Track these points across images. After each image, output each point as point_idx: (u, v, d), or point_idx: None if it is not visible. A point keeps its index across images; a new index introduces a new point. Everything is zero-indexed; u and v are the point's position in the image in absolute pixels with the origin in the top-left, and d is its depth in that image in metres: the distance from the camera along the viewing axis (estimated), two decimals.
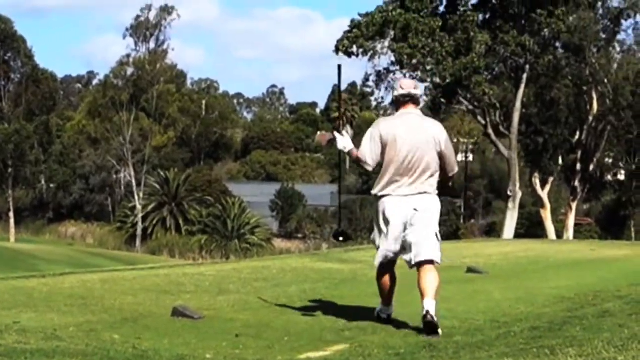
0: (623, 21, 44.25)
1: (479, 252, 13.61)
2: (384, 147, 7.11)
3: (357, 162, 7.33)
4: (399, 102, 7.30)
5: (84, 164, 79.11)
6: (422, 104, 7.51)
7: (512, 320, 7.10)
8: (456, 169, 7.40)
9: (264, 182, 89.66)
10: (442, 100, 37.95)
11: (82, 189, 79.29)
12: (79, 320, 7.18)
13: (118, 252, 52.55)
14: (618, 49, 46.57)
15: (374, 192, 7.25)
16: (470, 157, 79.19)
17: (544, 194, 45.94)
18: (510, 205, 40.09)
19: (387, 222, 7.12)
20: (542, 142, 44.58)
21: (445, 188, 7.57)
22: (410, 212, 7.03)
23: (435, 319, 6.76)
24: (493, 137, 39.84)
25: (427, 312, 6.77)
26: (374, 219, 7.37)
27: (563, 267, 11.90)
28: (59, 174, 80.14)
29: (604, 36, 44.37)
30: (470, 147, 79.51)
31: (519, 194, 40.25)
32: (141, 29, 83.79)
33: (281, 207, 72.94)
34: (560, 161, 47.03)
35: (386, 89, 37.75)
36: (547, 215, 45.96)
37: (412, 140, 7.07)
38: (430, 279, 6.99)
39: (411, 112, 7.25)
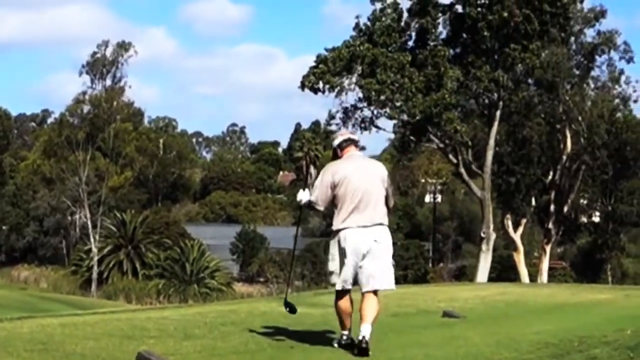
0: (597, 57, 44.97)
1: (454, 295, 13.59)
2: (335, 187, 8.07)
3: (309, 207, 8.34)
4: (342, 148, 8.35)
5: (37, 205, 78.27)
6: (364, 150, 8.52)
7: None
8: (393, 202, 8.33)
9: (224, 224, 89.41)
10: (412, 138, 38.04)
11: (35, 231, 78.35)
12: None
13: (73, 297, 51.86)
14: (592, 85, 47.28)
15: (335, 227, 8.10)
16: (439, 198, 79.55)
17: (516, 236, 46.16)
18: (483, 247, 40.18)
19: (345, 252, 7.98)
20: (515, 182, 44.85)
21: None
22: (370, 243, 7.95)
23: (369, 344, 7.71)
24: (465, 176, 40.00)
25: (364, 337, 7.75)
26: (331, 251, 8.16)
27: (543, 311, 11.92)
28: (11, 216, 79.22)
29: (577, 72, 45.01)
30: (439, 187, 79.91)
31: (493, 236, 40.38)
32: (97, 66, 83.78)
33: (242, 250, 72.70)
34: (533, 202, 47.39)
35: (353, 125, 37.84)
36: (520, 258, 46.17)
37: (362, 178, 8.08)
38: (373, 305, 7.95)
39: (354, 154, 8.32)
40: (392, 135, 49.44)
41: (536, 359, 7.53)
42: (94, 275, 65.12)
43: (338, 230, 8.06)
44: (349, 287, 8.12)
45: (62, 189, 75.36)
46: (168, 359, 7.45)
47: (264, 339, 8.77)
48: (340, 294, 8.16)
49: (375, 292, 8.01)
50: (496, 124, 39.09)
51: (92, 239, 67.46)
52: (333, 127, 39.05)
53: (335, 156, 8.42)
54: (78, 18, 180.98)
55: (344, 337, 8.25)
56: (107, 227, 68.95)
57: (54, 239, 78.67)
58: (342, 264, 8.03)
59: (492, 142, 39.17)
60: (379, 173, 8.22)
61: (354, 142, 8.38)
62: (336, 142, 8.41)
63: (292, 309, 8.91)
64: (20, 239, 79.25)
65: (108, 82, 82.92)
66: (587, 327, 9.64)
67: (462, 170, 39.21)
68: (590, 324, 10.01)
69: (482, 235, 40.29)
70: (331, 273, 8.16)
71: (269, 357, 7.84)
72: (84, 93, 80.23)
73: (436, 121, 35.81)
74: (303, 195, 8.42)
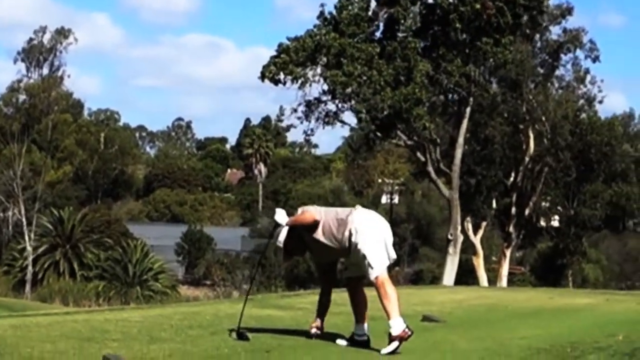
0: (562, 55, 45.36)
1: (429, 299, 13.48)
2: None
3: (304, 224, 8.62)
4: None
5: None
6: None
7: None
8: None
9: (168, 224, 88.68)
10: (378, 134, 37.82)
11: None
12: None
13: (6, 299, 50.82)
14: (556, 85, 47.69)
15: (347, 212, 8.74)
16: (396, 199, 79.77)
17: (476, 239, 46.42)
18: (450, 250, 40.17)
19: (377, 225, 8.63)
20: (475, 184, 45.01)
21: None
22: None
23: None
24: (433, 175, 39.85)
25: None
26: (362, 228, 8.48)
27: (526, 315, 11.87)
28: None
29: (542, 71, 45.39)
30: (396, 188, 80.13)
31: (461, 238, 40.43)
32: (34, 53, 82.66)
33: (188, 251, 72.20)
34: (494, 204, 47.58)
35: (317, 119, 37.52)
36: (479, 262, 46.44)
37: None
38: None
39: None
40: (347, 133, 49.43)
41: None
42: (28, 276, 63.96)
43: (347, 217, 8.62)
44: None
45: None
46: None
47: (236, 343, 8.55)
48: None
49: None
50: (465, 121, 39.10)
51: (26, 237, 66.27)
52: (295, 122, 38.68)
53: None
54: (13, 1, 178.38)
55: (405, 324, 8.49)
56: (42, 224, 67.81)
57: None
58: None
59: (461, 140, 39.18)
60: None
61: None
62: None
63: (245, 338, 8.69)
64: None
65: (45, 70, 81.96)
66: (576, 332, 9.58)
67: (430, 169, 39.12)
68: (578, 329, 9.96)
69: (449, 237, 40.28)
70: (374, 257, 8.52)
71: None
72: (19, 81, 79.23)
73: (405, 117, 35.68)
74: (281, 216, 8.69)
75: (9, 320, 9.68)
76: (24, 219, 67.69)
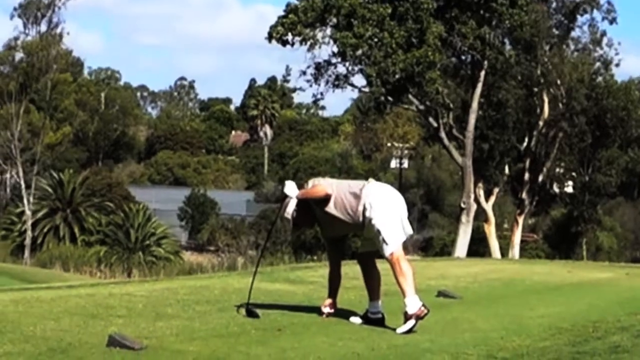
0: (578, 16, 44.93)
1: (444, 272, 13.41)
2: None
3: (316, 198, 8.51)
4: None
5: None
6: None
7: (512, 356, 6.88)
8: None
9: (171, 187, 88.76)
10: (389, 98, 37.56)
11: None
12: None
13: (3, 264, 51.01)
14: (572, 47, 47.31)
15: (360, 185, 8.52)
16: (405, 164, 79.63)
17: (488, 206, 46.28)
18: (463, 219, 40.01)
19: (392, 199, 8.52)
20: (488, 149, 44.80)
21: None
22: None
23: None
24: (445, 141, 39.62)
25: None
26: (376, 203, 8.34)
27: (544, 291, 11.80)
28: None
29: (557, 32, 44.98)
30: (405, 152, 79.97)
31: (474, 207, 40.30)
32: (31, 9, 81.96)
33: (191, 215, 72.22)
34: (507, 170, 47.40)
35: (326, 83, 37.26)
36: (491, 230, 46.32)
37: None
38: None
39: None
40: (356, 95, 49.19)
41: (553, 346, 7.34)
42: (27, 241, 64.06)
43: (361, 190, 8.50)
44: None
45: None
46: (143, 342, 7.11)
47: (245, 320, 8.48)
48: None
49: None
50: (480, 85, 38.82)
51: (25, 201, 66.30)
52: (303, 85, 38.44)
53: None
54: None
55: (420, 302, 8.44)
56: (42, 187, 67.82)
57: None
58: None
59: (475, 104, 38.93)
60: None
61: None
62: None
63: (254, 315, 8.64)
64: None
65: (43, 27, 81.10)
66: (598, 310, 9.54)
67: (442, 134, 38.90)
68: (599, 307, 9.92)
69: (462, 205, 40.09)
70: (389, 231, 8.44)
71: (255, 341, 7.54)
72: (16, 39, 78.46)
73: (417, 81, 35.41)
74: (291, 189, 8.62)
75: (9, 294, 9.61)
76: (22, 182, 67.67)
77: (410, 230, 8.56)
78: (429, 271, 13.30)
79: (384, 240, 8.32)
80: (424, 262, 16.48)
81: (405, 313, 8.19)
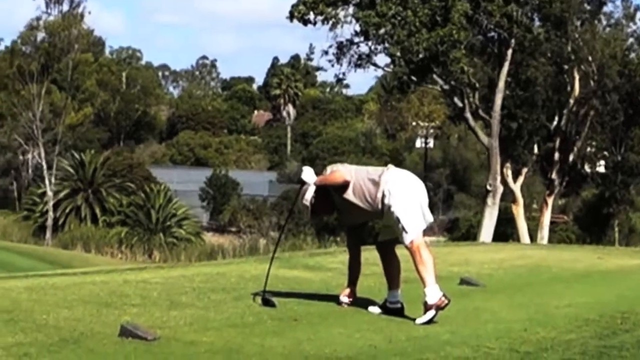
0: None
1: (468, 258, 13.28)
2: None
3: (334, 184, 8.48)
4: None
5: None
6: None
7: (535, 350, 6.77)
8: None
9: (192, 168, 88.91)
10: (412, 78, 37.34)
11: None
12: (7, 340, 6.67)
13: (25, 245, 51.48)
14: (604, 22, 46.82)
15: (379, 172, 8.42)
16: (431, 143, 79.29)
17: (516, 187, 45.96)
18: (489, 201, 39.71)
19: (412, 186, 8.47)
20: (516, 128, 44.43)
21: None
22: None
23: None
24: (471, 121, 39.34)
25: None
26: (395, 191, 8.27)
27: (571, 279, 11.64)
28: None
29: (588, 7, 44.47)
30: (431, 131, 79.63)
31: (500, 189, 39.99)
32: None
33: (212, 196, 72.36)
34: (536, 150, 47.04)
35: (349, 62, 37.10)
36: (519, 211, 46.03)
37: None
38: None
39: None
40: (380, 73, 48.91)
41: (579, 339, 7.23)
42: (49, 222, 64.51)
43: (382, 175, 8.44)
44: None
45: (13, 126, 74.36)
46: (156, 333, 7.08)
47: (262, 309, 8.43)
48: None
49: None
50: (507, 64, 38.44)
51: (46, 182, 66.72)
52: (325, 64, 38.47)
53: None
54: None
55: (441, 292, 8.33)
56: (63, 168, 68.20)
57: (4, 180, 77.96)
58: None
59: (501, 84, 38.56)
60: None
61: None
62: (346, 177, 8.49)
63: (271, 304, 8.58)
64: None
65: (65, 7, 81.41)
66: (626, 301, 9.41)
67: (468, 115, 38.61)
68: (628, 298, 9.80)
69: (488, 187, 39.81)
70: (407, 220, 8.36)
71: (271, 332, 7.49)
72: (38, 19, 78.81)
73: (441, 60, 35.13)
74: (309, 175, 8.55)
75: (24, 281, 9.62)
76: (44, 163, 68.10)
77: (430, 218, 8.45)
78: (452, 257, 13.19)
79: (403, 229, 8.22)
80: (447, 247, 16.36)
81: (425, 303, 8.10)
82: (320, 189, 8.46)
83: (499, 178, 39.89)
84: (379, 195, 8.24)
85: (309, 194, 8.48)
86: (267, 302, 8.60)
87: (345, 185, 8.34)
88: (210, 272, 10.89)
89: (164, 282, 9.86)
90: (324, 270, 11.38)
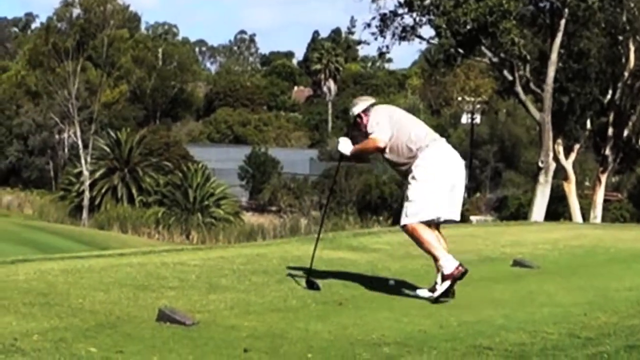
0: None
1: (520, 239, 13.07)
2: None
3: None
4: (366, 114, 8.49)
5: (21, 121, 77.98)
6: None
7: (596, 335, 6.57)
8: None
9: (231, 146, 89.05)
10: (459, 50, 36.97)
11: (19, 151, 78.20)
12: (43, 325, 6.61)
13: (61, 226, 51.89)
14: None
15: (419, 144, 8.18)
16: (477, 119, 78.68)
17: (567, 164, 45.53)
18: (541, 179, 39.28)
19: (445, 170, 8.18)
20: (568, 102, 43.94)
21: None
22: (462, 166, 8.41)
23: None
24: (522, 96, 38.87)
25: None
26: (422, 171, 8.13)
27: (630, 260, 11.39)
28: None
29: None
30: (477, 106, 78.97)
31: (553, 166, 39.56)
32: None
33: (252, 175, 72.44)
34: (589, 125, 46.52)
35: (392, 35, 36.81)
36: (571, 189, 45.59)
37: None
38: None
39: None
40: (424, 46, 48.47)
41: None
42: (85, 202, 65.04)
43: (421, 148, 8.21)
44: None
45: (49, 104, 74.96)
46: (195, 317, 6.98)
47: (305, 293, 8.31)
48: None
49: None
50: (560, 34, 37.95)
51: (82, 161, 67.21)
52: (368, 37, 38.27)
53: (356, 124, 8.52)
54: None
55: (456, 266, 8.21)
56: (99, 147, 68.64)
57: (40, 159, 78.54)
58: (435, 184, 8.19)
59: (554, 56, 38.04)
60: None
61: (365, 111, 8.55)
62: (360, 108, 8.48)
63: (315, 287, 8.46)
64: (2, 159, 79.17)
65: None
66: None
67: (519, 88, 38.19)
68: None
69: (540, 164, 39.39)
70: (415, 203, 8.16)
71: (315, 316, 7.36)
72: None
73: (490, 31, 34.69)
74: (345, 145, 8.57)
75: (61, 263, 9.58)
76: (79, 142, 68.62)
77: (452, 216, 8.28)
78: (503, 237, 13.00)
79: (405, 209, 8.16)
80: (497, 227, 16.11)
81: (442, 275, 8.03)
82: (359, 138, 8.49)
83: (551, 154, 39.45)
84: (410, 162, 8.18)
85: (346, 147, 8.55)
86: (311, 285, 8.49)
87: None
88: (250, 254, 10.78)
89: (202, 264, 9.77)
90: (369, 252, 11.25)
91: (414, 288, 8.51)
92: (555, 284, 9.10)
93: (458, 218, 8.33)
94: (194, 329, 6.71)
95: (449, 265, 8.02)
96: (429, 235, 8.11)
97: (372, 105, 8.51)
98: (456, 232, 12.98)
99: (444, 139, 8.43)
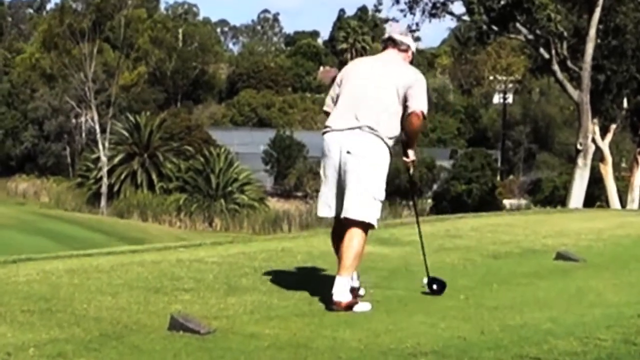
0: None
1: (562, 228, 12.57)
2: (339, 87, 7.67)
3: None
4: (383, 48, 7.91)
5: (37, 105, 78.07)
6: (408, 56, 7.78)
7: None
8: (421, 107, 7.43)
9: (255, 129, 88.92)
10: (493, 27, 36.43)
11: (34, 136, 78.33)
12: (41, 336, 6.19)
13: (79, 215, 51.86)
14: None
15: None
16: (510, 99, 78.01)
17: (604, 144, 44.90)
18: (579, 162, 38.79)
19: (324, 164, 7.54)
20: (604, 81, 43.31)
21: (411, 138, 7.72)
22: (344, 154, 7.32)
23: (337, 303, 7.17)
24: (559, 74, 38.39)
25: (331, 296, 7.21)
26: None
27: None
28: (6, 118, 79.20)
29: None
30: (509, 86, 78.30)
31: (592, 148, 39.04)
32: None
33: (276, 159, 72.19)
34: (625, 104, 45.86)
35: (422, 12, 36.39)
36: (607, 171, 45.00)
37: (368, 77, 7.51)
38: (347, 246, 7.28)
39: (385, 55, 7.78)
40: (454, 24, 47.99)
41: None
42: (104, 189, 65.03)
43: (323, 134, 7.67)
44: (332, 214, 7.53)
45: (65, 87, 74.98)
46: (211, 325, 6.53)
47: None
48: (334, 223, 7.67)
49: (356, 224, 7.31)
50: (598, 9, 37.40)
51: (100, 146, 67.19)
52: (397, 15, 37.80)
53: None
54: None
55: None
56: (118, 131, 68.61)
57: (56, 145, 78.62)
58: (324, 177, 7.58)
59: (592, 32, 37.48)
60: (396, 78, 7.47)
61: (394, 43, 7.82)
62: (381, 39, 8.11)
63: (440, 286, 7.91)
64: (17, 145, 79.28)
65: None
66: None
67: (556, 67, 37.66)
68: None
69: (579, 147, 38.86)
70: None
71: (343, 322, 6.91)
72: None
73: (526, 7, 34.07)
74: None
75: (67, 262, 9.17)
76: (97, 126, 68.57)
77: (346, 212, 7.39)
78: (544, 227, 12.51)
79: None
80: (536, 215, 15.57)
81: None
82: None
83: (590, 136, 38.88)
84: None
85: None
86: (435, 284, 7.95)
87: None
88: (274, 249, 10.35)
89: (221, 261, 9.34)
90: (401, 245, 10.76)
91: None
92: (603, 280, 8.62)
93: (352, 216, 7.33)
94: (209, 339, 6.27)
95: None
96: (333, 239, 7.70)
97: (386, 40, 7.93)
98: (494, 221, 12.53)
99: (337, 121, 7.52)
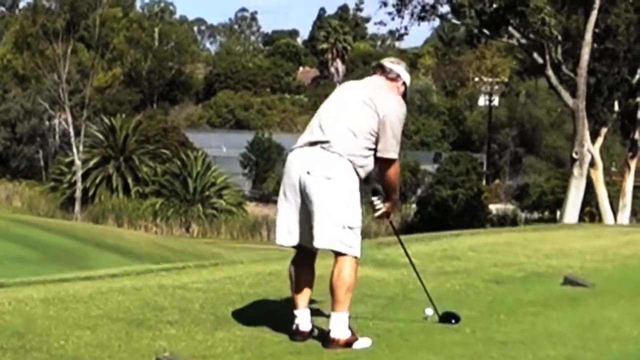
0: None
1: (563, 247, 12.16)
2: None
3: None
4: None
5: (8, 107, 77.47)
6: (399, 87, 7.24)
7: None
8: (390, 154, 6.86)
9: (232, 131, 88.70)
10: (485, 31, 36.16)
11: (6, 139, 77.64)
12: None
13: (53, 221, 51.18)
14: None
15: None
16: (495, 101, 77.82)
17: (594, 149, 44.65)
18: (575, 172, 38.54)
19: (283, 183, 7.06)
20: (594, 83, 43.18)
21: (388, 192, 7.14)
22: (303, 174, 6.80)
23: (336, 342, 6.73)
24: (554, 80, 38.14)
25: (327, 332, 6.84)
26: None
27: None
28: None
29: None
30: (495, 87, 78.14)
31: (588, 157, 38.77)
32: None
33: (255, 162, 72.01)
34: (616, 107, 45.76)
35: (411, 16, 36.10)
36: (598, 176, 44.74)
37: (346, 93, 7.17)
38: (336, 279, 6.84)
39: (373, 78, 7.28)
40: (436, 23, 47.74)
41: None
42: (78, 193, 64.57)
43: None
44: (294, 242, 7.01)
45: (37, 89, 74.50)
46: None
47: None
48: (295, 252, 7.17)
49: (340, 255, 6.78)
50: (594, 13, 37.19)
51: (74, 149, 66.70)
52: (384, 17, 37.44)
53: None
54: None
55: (295, 322, 7.09)
56: (92, 134, 68.24)
57: (29, 148, 77.98)
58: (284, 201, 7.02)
59: (588, 36, 37.24)
60: (375, 101, 6.85)
61: (382, 69, 7.29)
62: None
63: (457, 320, 7.59)
64: None
65: None
66: None
67: (550, 72, 37.39)
68: None
69: (574, 156, 38.59)
70: None
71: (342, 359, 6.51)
72: None
73: (519, 10, 33.85)
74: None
75: (41, 289, 8.68)
76: (71, 129, 68.11)
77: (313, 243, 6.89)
78: (544, 245, 12.11)
79: None
80: (535, 232, 15.12)
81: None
82: None
83: (586, 145, 38.67)
84: None
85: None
86: (451, 317, 7.61)
87: None
88: (262, 272, 9.91)
89: (206, 287, 8.91)
90: (398, 267, 10.25)
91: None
92: (618, 309, 8.21)
93: (326, 246, 6.84)
94: None
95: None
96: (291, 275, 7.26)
97: (374, 67, 7.58)
98: (492, 239, 12.17)
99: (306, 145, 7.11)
